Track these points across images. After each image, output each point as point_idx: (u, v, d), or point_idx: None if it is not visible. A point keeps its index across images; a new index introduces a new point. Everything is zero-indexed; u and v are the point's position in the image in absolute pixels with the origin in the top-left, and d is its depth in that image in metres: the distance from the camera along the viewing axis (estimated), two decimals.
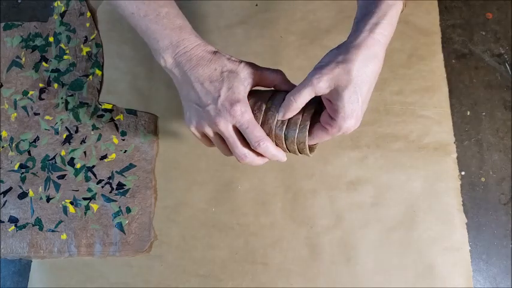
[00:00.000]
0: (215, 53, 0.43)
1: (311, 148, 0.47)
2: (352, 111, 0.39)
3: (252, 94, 0.44)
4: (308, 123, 0.42)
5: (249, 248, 0.57)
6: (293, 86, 0.43)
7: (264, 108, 0.43)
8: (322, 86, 0.38)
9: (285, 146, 0.44)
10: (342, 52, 0.39)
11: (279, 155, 0.44)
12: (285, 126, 0.43)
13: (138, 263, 0.58)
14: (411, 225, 0.56)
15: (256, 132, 0.41)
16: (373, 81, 0.39)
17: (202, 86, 0.41)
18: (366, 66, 0.38)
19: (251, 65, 0.44)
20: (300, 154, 0.45)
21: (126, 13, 0.43)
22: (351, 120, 0.39)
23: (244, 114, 0.41)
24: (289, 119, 0.43)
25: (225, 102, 0.41)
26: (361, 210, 0.57)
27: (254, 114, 0.43)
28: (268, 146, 0.42)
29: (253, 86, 0.44)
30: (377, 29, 0.38)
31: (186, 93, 0.43)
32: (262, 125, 0.43)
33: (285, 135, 0.43)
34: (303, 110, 0.42)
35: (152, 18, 0.41)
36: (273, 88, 0.45)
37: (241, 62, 0.43)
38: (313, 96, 0.40)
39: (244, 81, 0.42)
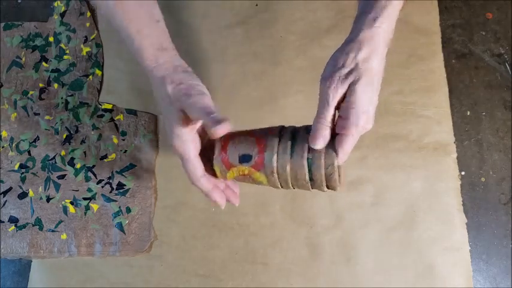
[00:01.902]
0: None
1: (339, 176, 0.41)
2: (366, 105, 0.38)
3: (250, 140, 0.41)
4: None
5: (249, 248, 0.57)
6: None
7: (288, 152, 0.39)
8: (340, 92, 0.37)
9: (307, 177, 0.39)
10: (344, 48, 0.39)
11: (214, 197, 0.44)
12: (305, 154, 0.38)
13: (138, 263, 0.58)
14: (411, 225, 0.56)
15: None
16: (379, 75, 0.39)
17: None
18: (370, 60, 0.38)
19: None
20: (326, 188, 0.40)
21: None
22: (364, 114, 0.38)
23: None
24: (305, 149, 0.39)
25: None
26: (361, 210, 0.57)
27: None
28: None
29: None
30: (376, 23, 0.38)
31: None
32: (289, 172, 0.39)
33: (308, 163, 0.38)
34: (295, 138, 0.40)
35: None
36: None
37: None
38: (335, 106, 0.38)
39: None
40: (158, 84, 0.42)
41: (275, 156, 0.39)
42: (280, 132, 0.41)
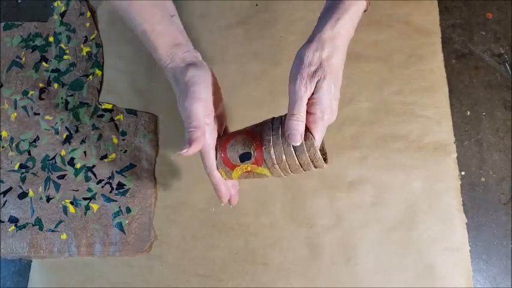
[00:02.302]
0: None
1: (324, 158, 0.46)
2: (330, 99, 0.40)
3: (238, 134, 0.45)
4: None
5: (249, 248, 0.57)
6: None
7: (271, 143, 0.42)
8: (310, 89, 0.40)
9: (297, 162, 0.42)
10: (308, 47, 0.41)
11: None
12: (286, 145, 0.42)
13: (138, 263, 0.58)
14: (411, 225, 0.56)
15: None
16: (341, 70, 0.41)
17: None
18: (332, 58, 0.40)
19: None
20: (314, 166, 0.43)
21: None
22: (328, 108, 0.40)
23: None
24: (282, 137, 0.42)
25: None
26: (361, 210, 0.57)
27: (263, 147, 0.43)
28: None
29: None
30: (338, 24, 0.40)
31: None
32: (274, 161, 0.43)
33: (294, 150, 0.42)
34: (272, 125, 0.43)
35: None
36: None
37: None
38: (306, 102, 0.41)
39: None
40: (172, 81, 0.44)
41: (272, 150, 0.42)
42: (272, 124, 0.43)
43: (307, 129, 0.41)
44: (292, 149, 0.41)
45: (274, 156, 0.42)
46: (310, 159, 0.42)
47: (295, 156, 0.42)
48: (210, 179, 0.46)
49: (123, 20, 0.45)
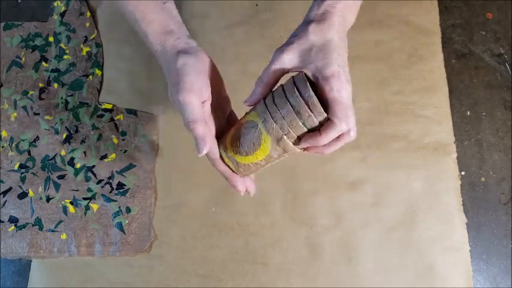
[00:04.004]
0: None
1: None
2: (338, 73, 0.37)
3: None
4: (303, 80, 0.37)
5: (249, 248, 0.57)
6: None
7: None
8: (286, 57, 0.39)
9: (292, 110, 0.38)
10: (298, 30, 0.39)
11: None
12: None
13: (138, 263, 0.58)
14: (411, 225, 0.56)
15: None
16: (339, 48, 0.38)
17: None
18: (323, 35, 0.38)
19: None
20: (309, 109, 0.38)
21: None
22: (339, 80, 0.37)
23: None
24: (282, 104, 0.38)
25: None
26: (361, 210, 0.57)
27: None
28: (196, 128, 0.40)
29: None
30: (327, 2, 0.39)
31: None
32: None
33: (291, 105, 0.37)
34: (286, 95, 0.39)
35: None
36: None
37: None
38: (280, 72, 0.39)
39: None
40: (165, 70, 0.42)
41: (274, 125, 0.39)
42: (264, 100, 0.41)
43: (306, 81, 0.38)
44: (289, 106, 0.38)
45: (279, 131, 0.39)
46: (306, 102, 0.37)
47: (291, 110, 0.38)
48: (217, 169, 0.44)
49: (120, 11, 0.44)
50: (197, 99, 0.40)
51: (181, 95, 0.39)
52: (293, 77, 0.39)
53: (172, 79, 0.41)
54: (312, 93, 0.37)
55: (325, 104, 0.37)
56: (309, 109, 0.37)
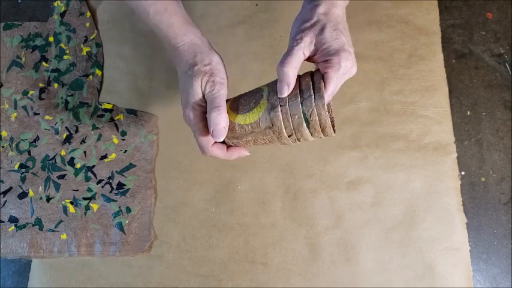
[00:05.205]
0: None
1: (332, 123, 0.43)
2: (341, 43, 0.40)
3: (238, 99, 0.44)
4: (320, 82, 0.39)
5: (249, 248, 0.57)
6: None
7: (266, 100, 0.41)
8: (306, 40, 0.40)
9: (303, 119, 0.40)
10: (303, 14, 0.42)
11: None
12: (293, 101, 0.39)
13: (138, 263, 0.58)
14: (411, 225, 0.56)
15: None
16: (344, 22, 0.42)
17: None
18: (330, 10, 0.41)
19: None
20: (322, 134, 0.41)
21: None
22: (344, 52, 0.40)
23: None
24: (294, 98, 0.40)
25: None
26: (361, 210, 0.57)
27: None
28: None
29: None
30: None
31: None
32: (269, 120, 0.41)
33: (302, 104, 0.39)
34: (299, 83, 0.41)
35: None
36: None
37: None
38: (302, 58, 0.41)
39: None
40: (189, 58, 0.44)
41: (280, 115, 0.40)
42: (260, 92, 0.43)
43: (317, 76, 0.40)
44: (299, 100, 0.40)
45: (285, 121, 0.40)
46: (313, 88, 0.39)
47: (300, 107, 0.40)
48: (208, 156, 0.45)
49: (131, 6, 0.45)
50: (225, 92, 0.43)
51: (218, 87, 0.42)
52: (312, 75, 0.41)
53: (203, 69, 0.43)
54: (324, 102, 0.39)
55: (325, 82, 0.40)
56: (313, 93, 0.39)
